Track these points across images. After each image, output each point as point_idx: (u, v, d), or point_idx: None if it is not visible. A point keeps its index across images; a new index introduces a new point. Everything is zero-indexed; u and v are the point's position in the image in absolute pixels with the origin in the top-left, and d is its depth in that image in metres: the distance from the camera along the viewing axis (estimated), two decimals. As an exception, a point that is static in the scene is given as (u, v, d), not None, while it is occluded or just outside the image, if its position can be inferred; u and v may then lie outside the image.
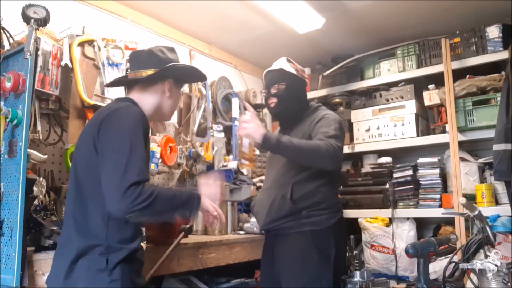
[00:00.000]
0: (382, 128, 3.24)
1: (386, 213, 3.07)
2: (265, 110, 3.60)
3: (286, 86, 2.07)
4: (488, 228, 1.88)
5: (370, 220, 3.12)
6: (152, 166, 2.45)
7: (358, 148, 3.33)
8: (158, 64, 1.56)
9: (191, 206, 1.44)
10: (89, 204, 1.37)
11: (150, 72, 1.55)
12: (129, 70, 1.66)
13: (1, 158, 1.60)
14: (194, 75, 1.75)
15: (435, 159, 3.04)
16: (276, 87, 2.08)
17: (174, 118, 2.91)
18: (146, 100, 1.56)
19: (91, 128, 1.41)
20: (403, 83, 3.24)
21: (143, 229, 1.77)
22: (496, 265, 1.62)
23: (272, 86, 2.10)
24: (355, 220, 3.14)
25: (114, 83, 1.77)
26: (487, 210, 2.59)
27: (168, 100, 1.61)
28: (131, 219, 1.32)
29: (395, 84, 3.28)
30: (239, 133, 1.93)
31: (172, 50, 1.66)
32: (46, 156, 1.91)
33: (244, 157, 2.21)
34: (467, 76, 2.91)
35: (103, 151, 1.35)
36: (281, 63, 2.12)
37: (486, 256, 1.78)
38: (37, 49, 1.73)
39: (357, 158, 3.50)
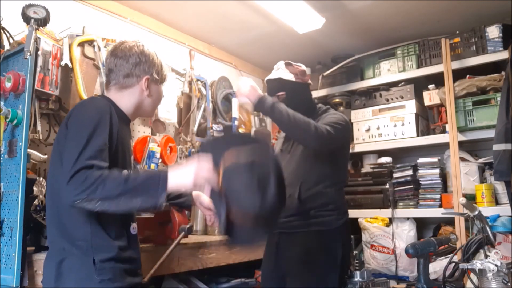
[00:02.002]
0: (382, 128, 3.24)
1: (386, 213, 3.07)
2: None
3: (287, 95, 2.05)
4: (488, 228, 1.88)
5: (370, 220, 3.12)
6: (152, 166, 2.45)
7: (358, 148, 3.33)
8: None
9: (154, 189, 1.25)
10: (64, 202, 1.31)
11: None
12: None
13: (1, 158, 1.60)
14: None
15: (435, 159, 3.05)
16: (277, 96, 2.06)
17: (174, 118, 2.90)
18: (124, 99, 1.50)
19: (61, 127, 1.41)
20: (403, 83, 3.24)
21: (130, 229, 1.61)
22: (496, 265, 1.62)
23: (273, 96, 2.07)
24: (355, 220, 3.13)
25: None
26: (487, 210, 2.59)
27: (149, 97, 1.53)
28: (81, 207, 1.22)
29: (395, 84, 3.28)
30: (237, 95, 1.96)
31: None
32: (46, 156, 1.91)
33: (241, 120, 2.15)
34: (467, 76, 2.91)
35: (65, 145, 1.32)
36: (280, 70, 2.09)
37: (486, 256, 1.78)
38: (37, 49, 1.73)
39: (357, 158, 3.50)
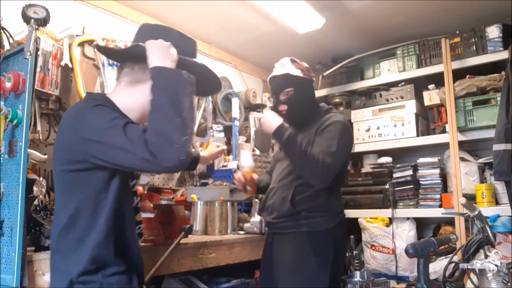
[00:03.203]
0: (382, 128, 3.24)
1: (386, 213, 3.07)
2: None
3: (295, 91, 2.00)
4: (488, 228, 1.88)
5: (370, 220, 3.12)
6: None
7: (358, 148, 3.33)
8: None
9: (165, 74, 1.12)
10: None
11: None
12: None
13: (1, 158, 1.60)
14: (208, 79, 1.39)
15: (435, 159, 3.05)
16: (285, 93, 2.01)
17: (174, 118, 2.91)
18: (130, 99, 1.27)
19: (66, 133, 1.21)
20: (403, 83, 3.24)
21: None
22: (496, 265, 1.62)
23: (280, 93, 2.02)
24: (355, 220, 3.14)
25: (103, 50, 1.48)
26: (487, 210, 2.59)
27: None
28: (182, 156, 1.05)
29: (395, 84, 3.28)
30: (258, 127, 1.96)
31: (191, 41, 1.38)
32: (46, 156, 1.91)
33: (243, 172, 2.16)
34: (467, 76, 2.91)
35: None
36: (286, 66, 2.03)
37: (486, 256, 1.78)
38: (37, 49, 1.73)
39: (357, 158, 3.50)
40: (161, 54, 1.16)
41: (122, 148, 1.07)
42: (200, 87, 1.25)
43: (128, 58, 1.30)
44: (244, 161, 2.10)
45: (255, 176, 2.11)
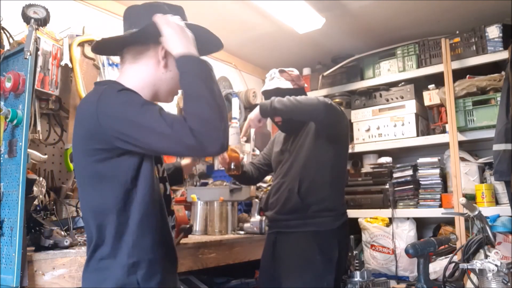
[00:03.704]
0: (382, 128, 3.24)
1: (386, 213, 3.07)
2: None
3: None
4: (488, 228, 1.88)
5: (370, 220, 3.12)
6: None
7: (358, 148, 3.33)
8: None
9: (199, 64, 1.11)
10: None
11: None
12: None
13: (1, 158, 1.60)
14: (206, 41, 1.33)
15: (435, 159, 3.05)
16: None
17: (174, 118, 2.91)
18: (139, 79, 1.23)
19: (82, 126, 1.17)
20: (403, 83, 3.24)
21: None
22: (496, 265, 1.62)
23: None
24: (355, 220, 3.14)
25: (101, 47, 1.37)
26: (487, 210, 2.60)
27: (166, 73, 1.25)
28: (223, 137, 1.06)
29: (395, 84, 3.28)
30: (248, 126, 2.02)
31: (178, 9, 1.32)
32: (46, 156, 1.91)
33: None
34: (467, 76, 2.91)
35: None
36: (275, 80, 2.08)
37: (486, 256, 1.78)
38: (37, 49, 1.73)
39: (357, 158, 3.50)
40: (182, 39, 1.14)
41: (162, 133, 1.05)
42: (203, 49, 1.26)
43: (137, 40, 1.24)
44: (230, 139, 2.07)
45: (241, 155, 2.08)
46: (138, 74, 1.23)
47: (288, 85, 2.06)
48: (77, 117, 1.20)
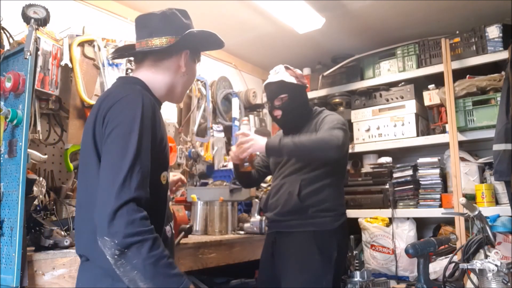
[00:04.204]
0: (382, 128, 3.24)
1: (386, 213, 3.07)
2: (265, 110, 3.60)
3: (289, 97, 2.06)
4: (488, 228, 1.88)
5: (370, 220, 3.12)
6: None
7: (358, 148, 3.33)
8: (174, 31, 1.30)
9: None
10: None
11: (165, 40, 1.28)
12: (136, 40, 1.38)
13: (1, 158, 1.60)
14: (213, 43, 1.44)
15: (435, 159, 3.05)
16: (280, 99, 2.07)
17: (174, 118, 2.90)
18: (158, 79, 1.31)
19: (93, 120, 1.20)
20: (403, 83, 3.24)
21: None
22: (496, 265, 1.62)
23: (275, 99, 2.08)
24: (355, 220, 3.14)
25: (120, 52, 1.48)
26: (487, 210, 2.59)
27: (184, 76, 1.35)
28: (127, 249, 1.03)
29: (395, 84, 3.28)
30: (247, 152, 1.92)
31: (185, 14, 1.42)
32: (46, 156, 1.91)
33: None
34: (467, 76, 2.91)
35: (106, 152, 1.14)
36: (281, 73, 2.09)
37: (486, 256, 1.78)
38: (37, 49, 1.73)
39: (357, 158, 3.50)
40: None
41: (112, 185, 1.06)
42: (208, 47, 1.46)
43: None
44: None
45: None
46: (158, 77, 1.32)
47: (292, 80, 2.07)
48: (100, 108, 1.20)
